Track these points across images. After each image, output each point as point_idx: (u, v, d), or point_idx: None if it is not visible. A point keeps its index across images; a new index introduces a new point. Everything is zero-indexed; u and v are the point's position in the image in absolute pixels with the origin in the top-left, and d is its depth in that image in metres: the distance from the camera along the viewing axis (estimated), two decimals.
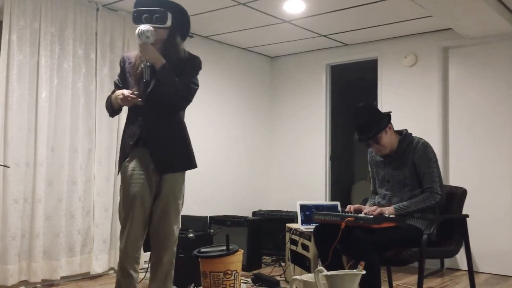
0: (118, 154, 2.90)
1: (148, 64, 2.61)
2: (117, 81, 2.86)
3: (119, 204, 2.74)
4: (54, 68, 4.10)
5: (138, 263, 2.73)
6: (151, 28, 2.59)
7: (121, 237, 2.69)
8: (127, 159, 2.68)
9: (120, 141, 2.91)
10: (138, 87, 2.69)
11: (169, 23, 2.65)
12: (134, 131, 2.68)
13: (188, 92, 2.72)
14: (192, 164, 2.86)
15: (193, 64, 2.79)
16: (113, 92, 2.80)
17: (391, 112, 3.18)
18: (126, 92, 2.64)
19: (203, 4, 4.44)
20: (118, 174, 2.80)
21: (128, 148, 2.69)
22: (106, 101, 2.84)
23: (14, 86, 3.84)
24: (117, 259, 2.86)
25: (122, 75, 2.81)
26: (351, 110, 3.23)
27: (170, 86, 2.64)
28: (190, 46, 5.31)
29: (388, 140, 3.11)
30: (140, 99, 2.61)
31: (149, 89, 2.65)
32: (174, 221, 2.75)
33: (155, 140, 2.69)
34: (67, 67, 4.18)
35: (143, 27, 2.59)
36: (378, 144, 3.11)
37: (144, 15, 2.60)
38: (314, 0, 4.31)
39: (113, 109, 2.78)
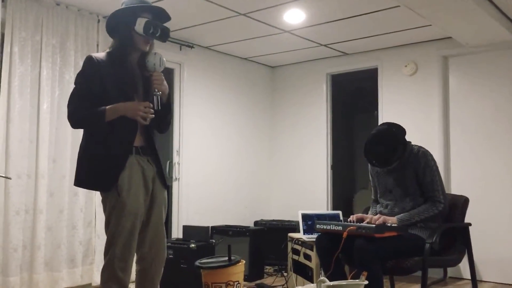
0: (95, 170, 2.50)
1: (159, 93, 2.55)
2: (88, 87, 2.48)
3: (116, 219, 2.45)
4: (56, 80, 4.11)
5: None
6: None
7: (122, 255, 2.45)
8: (123, 170, 2.47)
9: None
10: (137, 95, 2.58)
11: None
12: (127, 140, 2.50)
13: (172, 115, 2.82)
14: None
15: None
16: (82, 101, 2.47)
17: (409, 142, 3.14)
18: (143, 104, 2.48)
19: (203, 15, 4.47)
20: (110, 190, 2.45)
21: (122, 158, 2.47)
22: (88, 115, 2.47)
23: (15, 97, 3.85)
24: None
25: (97, 78, 2.48)
26: (368, 134, 3.18)
27: (170, 115, 2.72)
28: (191, 56, 5.36)
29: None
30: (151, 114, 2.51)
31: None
32: (165, 233, 2.68)
33: (156, 157, 2.63)
34: (69, 78, 4.19)
35: (161, 55, 2.57)
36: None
37: (154, 29, 2.50)
38: (314, 10, 4.33)
39: (101, 122, 2.44)
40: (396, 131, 3.13)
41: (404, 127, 3.18)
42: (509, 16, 4.35)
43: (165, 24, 2.60)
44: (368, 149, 3.15)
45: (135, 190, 2.48)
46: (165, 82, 2.58)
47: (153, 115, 2.51)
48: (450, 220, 3.18)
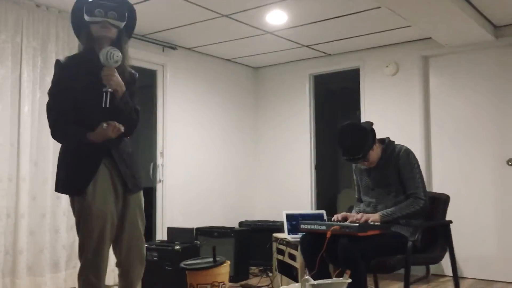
0: (67, 173, 2.46)
1: (110, 90, 2.36)
2: (57, 93, 2.43)
3: (84, 223, 2.41)
4: (37, 82, 4.07)
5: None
6: (120, 53, 2.36)
7: (94, 260, 2.41)
8: (91, 180, 2.42)
9: None
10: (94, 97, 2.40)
11: (124, 22, 2.44)
12: (91, 147, 2.42)
13: (137, 119, 2.56)
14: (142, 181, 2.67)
15: (136, 86, 2.63)
16: (61, 109, 2.40)
17: (372, 124, 3.21)
18: (110, 128, 2.35)
19: (186, 16, 4.46)
20: (77, 194, 2.41)
21: (90, 167, 2.43)
22: (72, 134, 2.42)
23: None
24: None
25: (64, 82, 2.42)
26: (336, 129, 3.23)
27: (128, 115, 2.48)
28: (173, 57, 5.35)
29: (375, 155, 3.17)
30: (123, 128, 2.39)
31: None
32: (143, 236, 2.60)
33: (121, 158, 2.51)
34: (50, 80, 4.12)
35: (111, 48, 2.34)
36: (367, 161, 3.17)
37: (97, 10, 2.33)
38: (296, 11, 4.36)
39: (83, 140, 2.38)
40: (360, 123, 3.22)
41: (383, 123, 3.22)
42: (487, 17, 4.43)
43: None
44: (338, 144, 3.20)
45: (101, 192, 2.42)
46: (115, 78, 2.37)
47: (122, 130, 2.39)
48: (432, 218, 3.23)
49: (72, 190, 2.45)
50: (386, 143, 3.24)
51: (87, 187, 2.39)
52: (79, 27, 2.49)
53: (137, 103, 2.58)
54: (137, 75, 2.64)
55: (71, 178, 2.44)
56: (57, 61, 2.47)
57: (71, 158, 2.46)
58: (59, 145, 4.06)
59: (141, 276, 2.61)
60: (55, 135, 2.47)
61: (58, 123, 2.43)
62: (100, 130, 2.36)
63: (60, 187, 2.50)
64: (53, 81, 2.49)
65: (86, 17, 2.38)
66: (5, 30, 3.88)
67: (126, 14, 2.45)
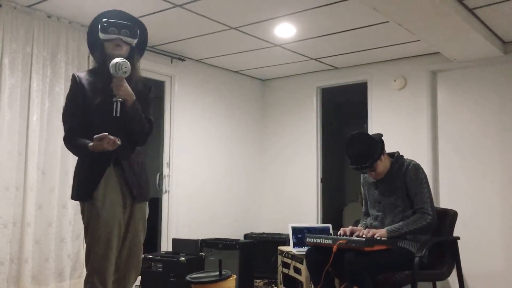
0: (78, 181, 2.60)
1: (120, 100, 2.48)
2: (72, 106, 2.56)
3: (92, 229, 2.50)
4: (46, 92, 4.10)
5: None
6: (128, 64, 2.47)
7: (100, 267, 2.47)
8: (99, 183, 2.52)
9: None
10: (104, 111, 2.51)
11: (136, 39, 2.62)
12: (101, 155, 2.49)
13: (150, 129, 2.65)
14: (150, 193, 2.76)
15: (151, 97, 2.72)
16: (73, 122, 2.54)
17: (382, 135, 3.21)
18: (111, 136, 2.40)
19: (195, 28, 4.49)
20: (85, 199, 2.54)
21: (98, 172, 2.52)
22: (79, 147, 2.53)
23: (5, 109, 3.83)
24: None
25: (79, 96, 2.56)
26: (345, 138, 3.24)
27: (138, 123, 2.57)
28: (182, 69, 5.38)
29: (383, 166, 3.16)
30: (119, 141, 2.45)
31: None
32: (141, 246, 2.69)
33: (130, 167, 2.59)
34: (59, 90, 4.18)
35: (120, 60, 2.45)
36: (374, 172, 3.15)
37: (111, 28, 2.52)
38: (304, 24, 4.37)
39: (86, 152, 2.48)
40: (368, 134, 3.23)
41: (391, 138, 3.23)
42: (495, 33, 4.43)
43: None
44: (346, 152, 3.20)
45: (110, 201, 2.51)
46: (123, 88, 2.48)
47: (119, 142, 2.43)
48: (439, 233, 3.20)
49: (81, 195, 2.57)
50: (396, 157, 3.23)
51: (94, 192, 2.49)
52: (94, 45, 2.65)
53: (150, 114, 2.68)
54: (152, 87, 2.75)
55: (80, 185, 2.57)
56: (73, 76, 2.61)
57: (82, 167, 2.59)
58: (66, 154, 4.12)
59: (134, 283, 2.69)
60: (67, 147, 2.61)
61: (69, 136, 2.56)
62: (95, 143, 2.43)
63: (74, 194, 2.62)
64: (68, 95, 2.63)
65: (101, 35, 2.56)
66: (16, 40, 3.92)
67: (138, 32, 2.61)
